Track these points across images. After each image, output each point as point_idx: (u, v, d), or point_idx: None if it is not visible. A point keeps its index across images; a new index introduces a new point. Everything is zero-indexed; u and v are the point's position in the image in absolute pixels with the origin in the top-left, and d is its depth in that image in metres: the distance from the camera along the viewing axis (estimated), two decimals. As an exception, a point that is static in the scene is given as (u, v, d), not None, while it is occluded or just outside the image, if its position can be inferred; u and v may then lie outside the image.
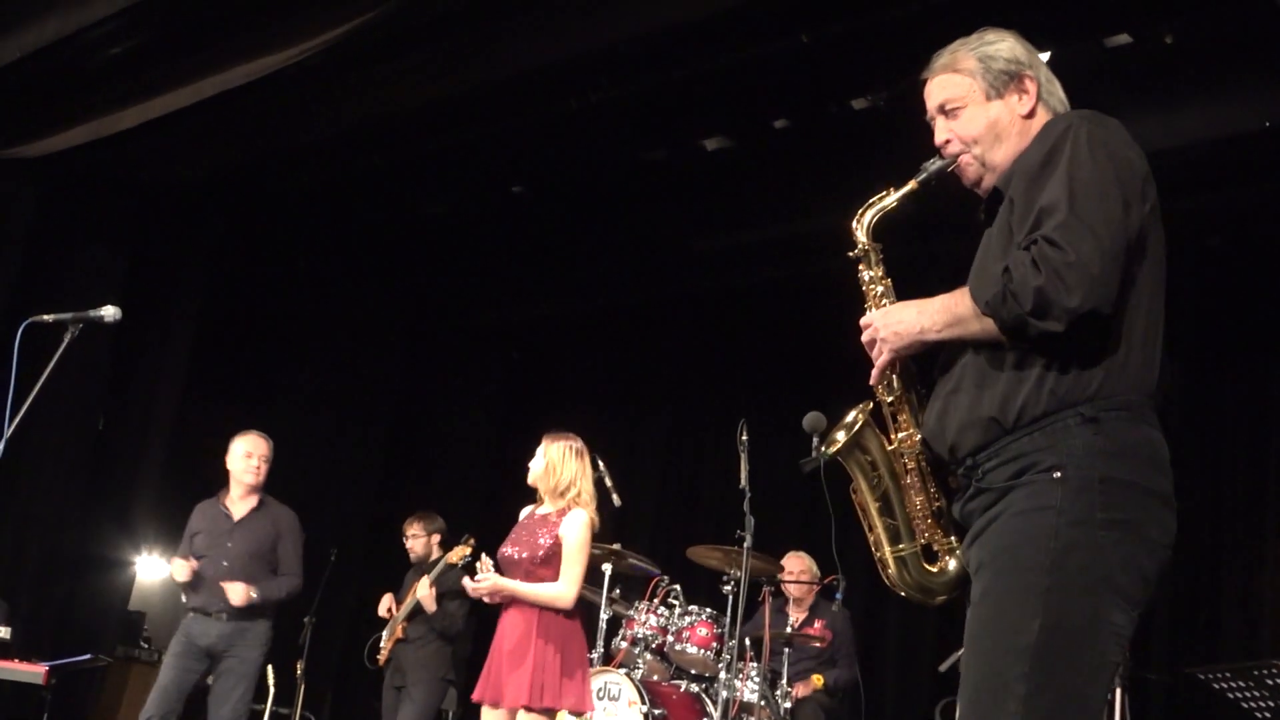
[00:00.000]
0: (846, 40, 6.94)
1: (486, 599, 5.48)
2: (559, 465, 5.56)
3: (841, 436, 2.77)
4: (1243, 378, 8.32)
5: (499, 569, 5.47)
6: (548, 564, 5.41)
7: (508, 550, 5.52)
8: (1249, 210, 7.80)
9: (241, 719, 6.67)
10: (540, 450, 5.61)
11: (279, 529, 6.90)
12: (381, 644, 7.72)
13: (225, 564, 6.69)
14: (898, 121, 7.36)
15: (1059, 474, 2.36)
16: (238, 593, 6.56)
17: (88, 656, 7.90)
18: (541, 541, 5.43)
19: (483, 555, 5.51)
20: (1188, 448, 7.65)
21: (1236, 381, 8.32)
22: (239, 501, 6.91)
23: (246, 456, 6.90)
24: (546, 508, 5.59)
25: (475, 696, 5.43)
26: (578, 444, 5.65)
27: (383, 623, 7.82)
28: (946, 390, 2.60)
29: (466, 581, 5.48)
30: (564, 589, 5.38)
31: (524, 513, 5.72)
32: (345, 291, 10.93)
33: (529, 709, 5.17)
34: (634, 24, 6.92)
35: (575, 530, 5.43)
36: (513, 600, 5.40)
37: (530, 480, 5.61)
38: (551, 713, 5.27)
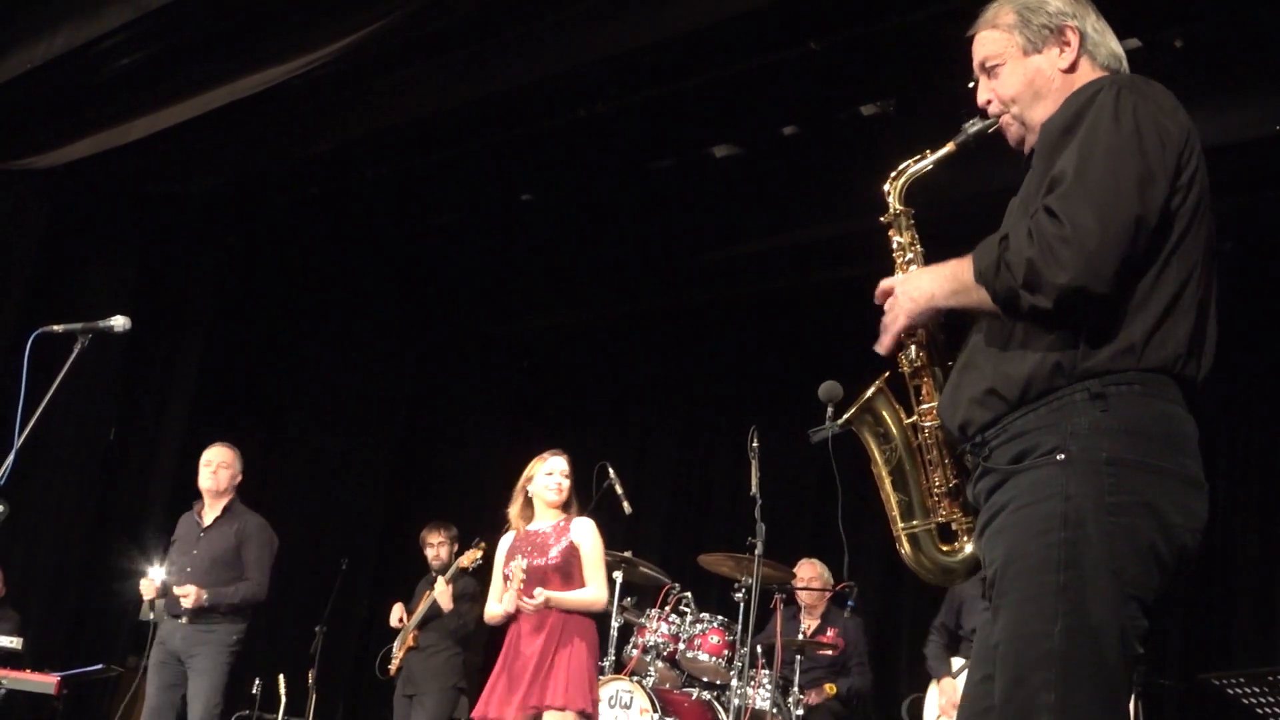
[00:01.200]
0: (855, 47, 6.93)
1: (531, 609, 5.48)
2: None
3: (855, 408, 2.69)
4: (1256, 383, 8.29)
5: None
6: (565, 571, 5.49)
7: (519, 563, 5.55)
8: (1261, 215, 7.78)
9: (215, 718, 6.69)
10: (568, 464, 5.75)
11: (242, 536, 6.93)
12: (394, 654, 7.72)
13: (189, 570, 6.75)
14: (907, 127, 7.39)
15: (1062, 456, 2.26)
16: (189, 595, 6.58)
17: (99, 666, 7.90)
18: (554, 551, 5.52)
19: (517, 568, 5.51)
20: (1201, 453, 7.61)
21: (1249, 387, 8.29)
22: (208, 509, 6.99)
23: (205, 465, 6.97)
24: (543, 523, 5.69)
25: (491, 713, 5.39)
26: None
27: (394, 633, 7.81)
28: (960, 365, 2.51)
29: (524, 601, 5.44)
30: (598, 592, 5.57)
31: (504, 543, 5.81)
32: (354, 302, 10.94)
33: (565, 709, 5.22)
34: (642, 33, 6.92)
35: (591, 536, 5.61)
36: (527, 612, 5.46)
37: (564, 496, 5.71)
38: (584, 714, 5.33)
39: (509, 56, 7.14)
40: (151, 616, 6.85)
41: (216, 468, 6.95)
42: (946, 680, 6.75)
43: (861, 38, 6.84)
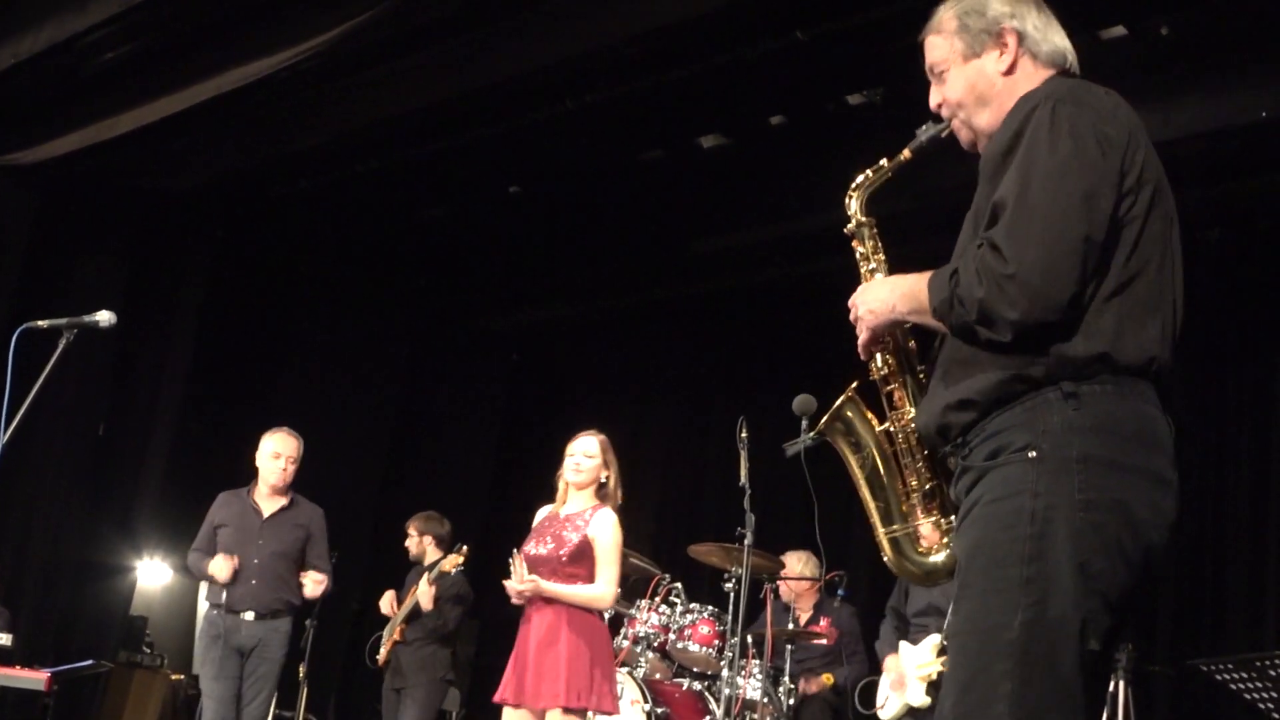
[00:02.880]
0: (842, 36, 6.94)
1: (518, 600, 5.42)
2: (613, 463, 5.56)
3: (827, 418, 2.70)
4: (1244, 370, 8.31)
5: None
6: (576, 562, 5.35)
7: (532, 548, 5.46)
8: (1248, 202, 7.80)
9: (268, 717, 6.58)
10: (596, 446, 5.54)
11: (310, 529, 6.82)
12: (382, 644, 7.71)
13: (256, 561, 6.59)
14: (895, 117, 7.39)
15: (1034, 454, 2.27)
16: (319, 583, 6.56)
17: (90, 663, 7.89)
18: (570, 539, 5.37)
19: (516, 552, 5.41)
20: (1190, 440, 7.63)
21: (1238, 373, 8.31)
22: (267, 499, 6.79)
23: (274, 458, 6.76)
24: (572, 507, 5.53)
25: (497, 697, 5.37)
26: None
27: (385, 621, 7.81)
28: (938, 375, 2.52)
29: (508, 584, 5.35)
30: (603, 590, 5.37)
31: (540, 514, 5.68)
32: (345, 295, 10.92)
33: (567, 710, 5.13)
34: (629, 24, 6.92)
35: (608, 529, 5.40)
36: (540, 601, 5.35)
37: (584, 478, 5.50)
38: (584, 714, 5.23)
39: (496, 49, 7.14)
40: (218, 602, 6.60)
41: (287, 463, 6.77)
42: (890, 658, 6.74)
43: (848, 27, 6.84)
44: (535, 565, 5.39)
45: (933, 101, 2.69)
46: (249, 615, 6.54)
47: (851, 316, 2.62)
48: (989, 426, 2.36)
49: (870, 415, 2.69)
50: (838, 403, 2.70)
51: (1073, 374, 2.29)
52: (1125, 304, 2.34)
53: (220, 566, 6.54)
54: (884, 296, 2.55)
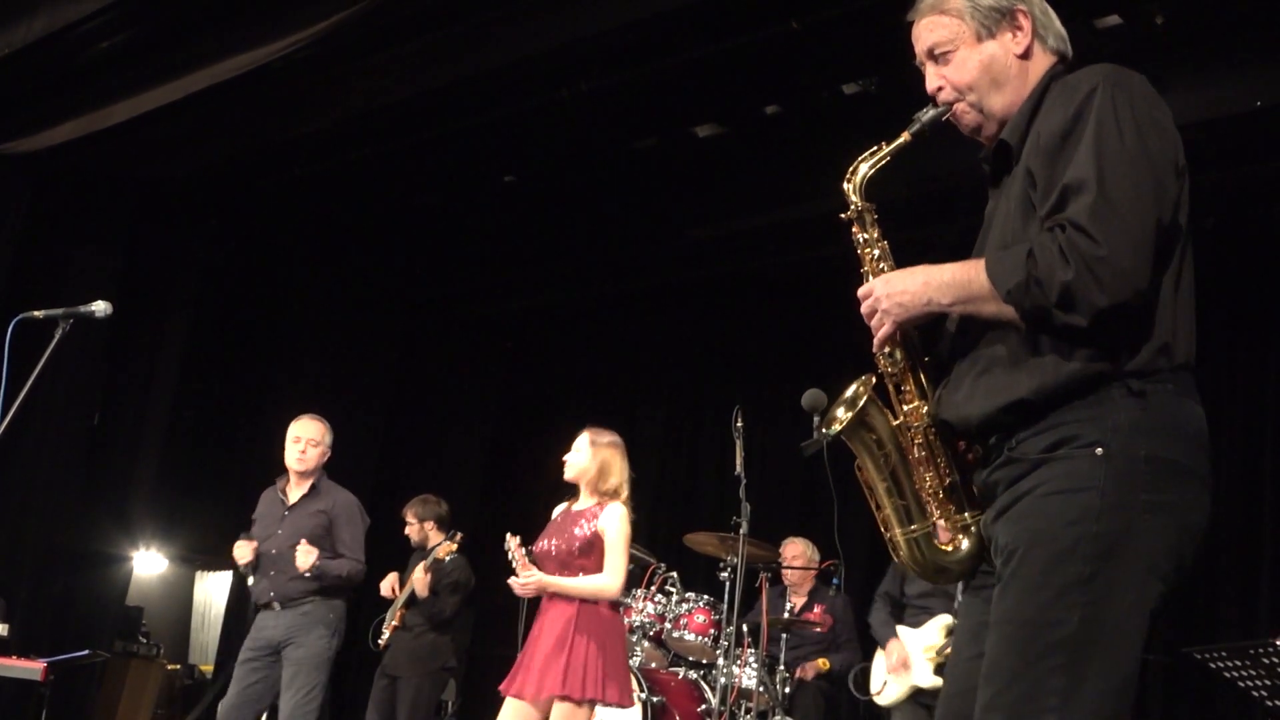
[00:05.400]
0: (836, 25, 6.93)
1: (524, 595, 5.47)
2: (611, 465, 5.55)
3: (843, 414, 2.58)
4: (1238, 359, 8.32)
5: (535, 563, 5.43)
6: (586, 555, 5.39)
7: (544, 544, 5.51)
8: (1243, 191, 7.80)
9: (306, 714, 6.20)
10: (586, 444, 5.58)
11: (333, 513, 6.55)
12: (384, 627, 7.69)
13: (274, 551, 6.38)
14: (889, 105, 7.39)
15: (1101, 450, 2.22)
16: (308, 556, 6.17)
17: (86, 652, 7.89)
18: (579, 533, 5.41)
19: (511, 539, 5.44)
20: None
21: (1232, 363, 8.32)
22: (294, 487, 6.61)
23: (294, 441, 6.59)
24: (582, 503, 5.57)
25: (503, 687, 5.38)
26: (621, 443, 5.65)
27: (382, 607, 7.80)
28: (974, 372, 2.43)
29: (512, 581, 5.38)
30: (609, 580, 5.38)
31: (557, 510, 5.71)
32: (339, 284, 10.91)
33: (567, 699, 5.15)
34: (624, 12, 6.91)
35: (616, 522, 5.43)
36: (553, 595, 5.39)
37: (571, 475, 5.57)
38: (592, 704, 5.23)
39: (491, 37, 7.13)
40: (251, 582, 6.46)
41: (306, 446, 6.55)
42: (894, 642, 6.75)
43: (842, 16, 6.83)
44: (545, 560, 5.44)
45: (931, 85, 2.62)
46: (275, 606, 6.34)
47: (865, 309, 2.52)
48: (1045, 421, 2.30)
49: (887, 412, 2.59)
50: (860, 404, 2.57)
51: (1137, 370, 2.27)
52: (1181, 299, 2.33)
53: (239, 548, 6.40)
54: (915, 288, 2.43)
